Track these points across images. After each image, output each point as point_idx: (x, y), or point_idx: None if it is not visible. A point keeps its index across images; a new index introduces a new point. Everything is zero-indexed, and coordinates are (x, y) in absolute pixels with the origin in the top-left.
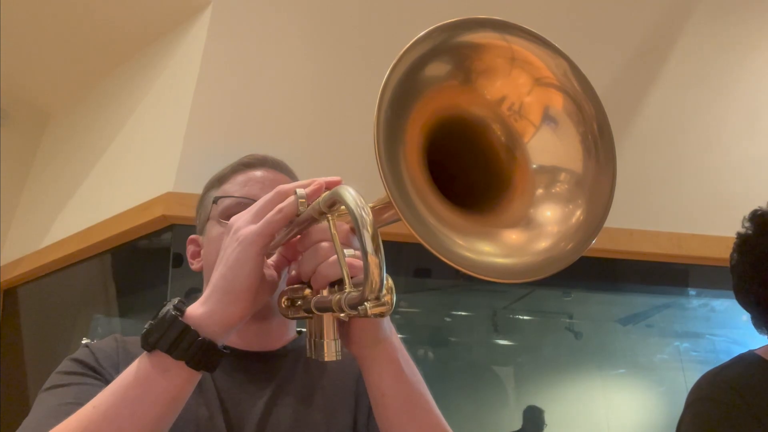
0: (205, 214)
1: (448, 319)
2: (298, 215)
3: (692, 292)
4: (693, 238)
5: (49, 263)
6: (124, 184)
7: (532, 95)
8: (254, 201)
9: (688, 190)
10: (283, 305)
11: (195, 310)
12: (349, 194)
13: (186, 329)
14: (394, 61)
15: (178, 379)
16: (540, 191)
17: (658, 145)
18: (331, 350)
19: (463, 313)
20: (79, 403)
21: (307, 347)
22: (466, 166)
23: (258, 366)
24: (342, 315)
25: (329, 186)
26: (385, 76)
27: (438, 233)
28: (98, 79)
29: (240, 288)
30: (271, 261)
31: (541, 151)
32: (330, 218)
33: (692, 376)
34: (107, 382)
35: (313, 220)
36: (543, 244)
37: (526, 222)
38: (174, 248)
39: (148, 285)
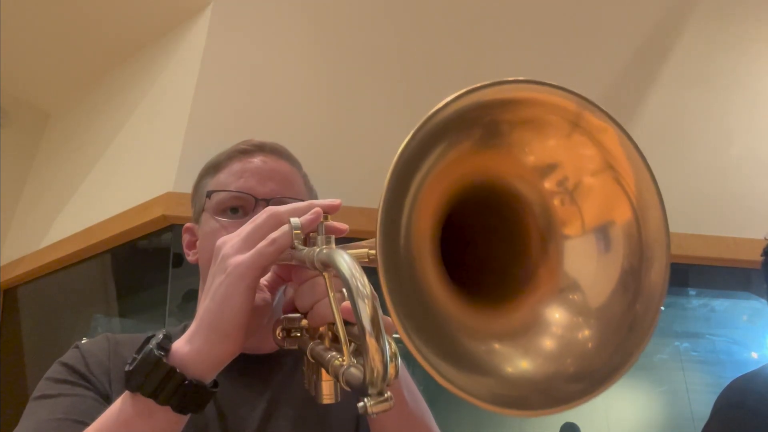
0: (200, 204)
1: None
2: (292, 247)
3: (692, 292)
4: (693, 238)
5: (49, 263)
6: (124, 184)
7: (598, 179)
8: (249, 195)
9: (689, 190)
10: (278, 336)
11: (181, 348)
12: (344, 261)
13: (171, 372)
14: (416, 126)
15: (163, 424)
16: (558, 297)
17: (658, 144)
18: (329, 392)
19: None
20: (68, 419)
21: (305, 382)
22: (486, 236)
23: (255, 369)
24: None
25: (327, 210)
26: (403, 143)
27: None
28: (98, 79)
29: (228, 325)
30: (264, 281)
31: (576, 261)
32: (326, 276)
33: (692, 376)
34: (97, 390)
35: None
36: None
37: (537, 326)
38: (174, 248)
39: (148, 285)
